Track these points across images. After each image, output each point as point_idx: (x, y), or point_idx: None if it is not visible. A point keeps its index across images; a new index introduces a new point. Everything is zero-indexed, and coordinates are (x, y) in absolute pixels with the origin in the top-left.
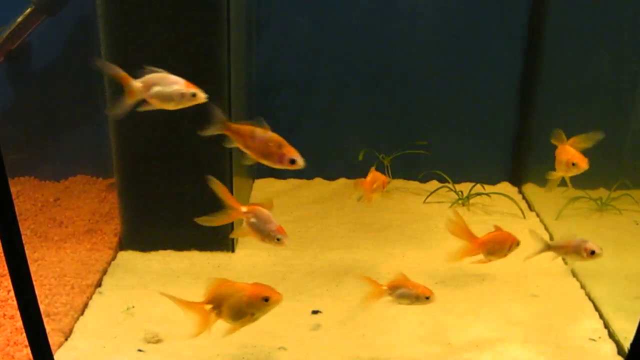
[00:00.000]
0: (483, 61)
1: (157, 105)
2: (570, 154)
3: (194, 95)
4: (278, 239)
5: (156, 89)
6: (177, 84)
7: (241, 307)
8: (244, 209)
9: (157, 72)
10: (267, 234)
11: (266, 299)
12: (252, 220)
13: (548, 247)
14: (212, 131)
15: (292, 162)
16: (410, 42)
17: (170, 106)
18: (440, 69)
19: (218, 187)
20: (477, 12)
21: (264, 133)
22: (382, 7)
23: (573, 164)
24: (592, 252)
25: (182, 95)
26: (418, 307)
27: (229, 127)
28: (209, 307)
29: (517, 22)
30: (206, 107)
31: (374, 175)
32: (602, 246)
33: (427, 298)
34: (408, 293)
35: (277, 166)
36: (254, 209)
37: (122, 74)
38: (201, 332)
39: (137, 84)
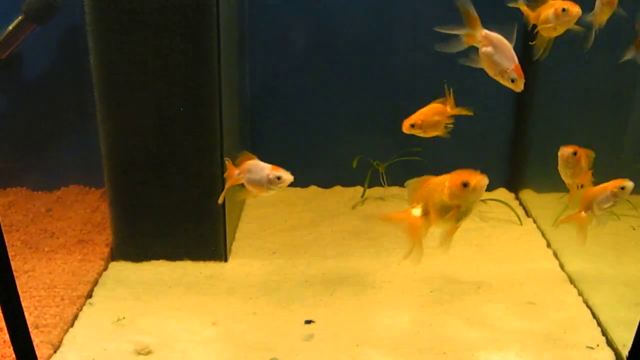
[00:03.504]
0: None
1: None
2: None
3: None
4: (279, 178)
5: None
6: None
7: (444, 201)
8: (236, 171)
9: None
10: (266, 180)
11: (465, 184)
12: (248, 175)
13: None
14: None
15: None
16: (406, 48)
17: None
18: (436, 75)
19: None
20: None
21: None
22: (377, 14)
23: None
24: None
25: None
26: (412, 315)
27: None
28: (417, 211)
29: (512, 27)
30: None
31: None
32: (601, 253)
33: (623, 188)
34: (606, 197)
35: None
36: (244, 166)
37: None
38: (416, 243)
39: None
